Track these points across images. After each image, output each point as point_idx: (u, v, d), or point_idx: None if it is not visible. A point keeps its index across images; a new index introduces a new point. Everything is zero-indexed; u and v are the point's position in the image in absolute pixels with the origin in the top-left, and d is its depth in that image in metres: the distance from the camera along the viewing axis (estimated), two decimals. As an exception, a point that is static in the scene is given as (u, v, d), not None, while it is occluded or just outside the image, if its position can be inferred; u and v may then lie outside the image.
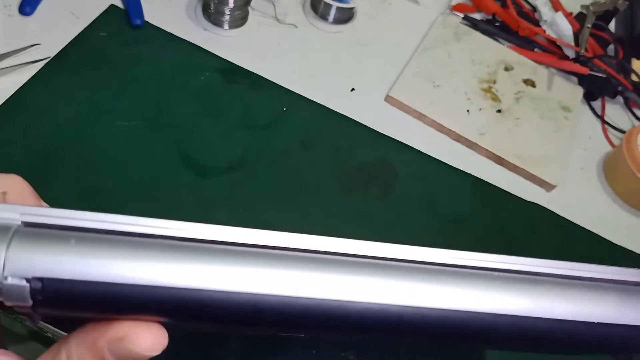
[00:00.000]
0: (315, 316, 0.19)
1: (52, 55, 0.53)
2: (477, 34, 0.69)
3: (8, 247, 0.17)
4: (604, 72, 0.67)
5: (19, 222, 0.18)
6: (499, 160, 0.59)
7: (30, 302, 0.17)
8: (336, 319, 0.19)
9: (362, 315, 0.19)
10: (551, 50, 0.70)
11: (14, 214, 0.18)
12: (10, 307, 0.18)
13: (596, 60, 0.67)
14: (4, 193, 0.21)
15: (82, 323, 0.20)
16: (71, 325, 0.21)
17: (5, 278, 0.17)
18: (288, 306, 0.18)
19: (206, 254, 0.19)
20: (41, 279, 0.17)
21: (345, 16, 0.65)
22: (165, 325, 0.19)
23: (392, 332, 0.20)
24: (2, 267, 0.17)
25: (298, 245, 0.20)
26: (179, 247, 0.19)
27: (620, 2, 0.71)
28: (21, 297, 0.17)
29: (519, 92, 0.64)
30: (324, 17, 0.64)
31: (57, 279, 0.17)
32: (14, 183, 0.23)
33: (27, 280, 0.17)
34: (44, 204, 0.24)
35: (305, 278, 0.19)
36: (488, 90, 0.63)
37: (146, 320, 0.19)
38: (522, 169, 0.58)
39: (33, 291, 0.17)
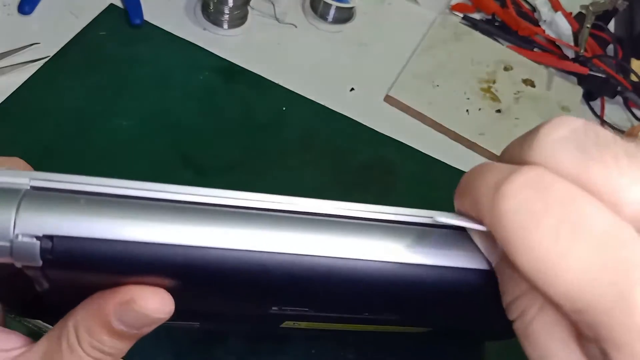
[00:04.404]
0: (315, 273, 0.19)
1: (52, 54, 0.53)
2: (477, 33, 0.69)
3: (18, 207, 0.17)
4: (603, 72, 0.67)
5: (28, 187, 0.18)
6: (499, 160, 0.59)
7: (40, 262, 0.18)
8: (335, 278, 0.19)
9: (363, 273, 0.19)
10: (550, 50, 0.70)
11: (23, 179, 0.18)
12: (16, 284, 0.18)
13: (595, 60, 0.68)
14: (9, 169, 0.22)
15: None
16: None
17: (17, 236, 0.17)
18: (292, 264, 0.19)
19: (215, 214, 0.19)
20: (51, 237, 0.17)
21: (345, 16, 0.65)
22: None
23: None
24: (12, 226, 0.17)
25: (297, 207, 0.20)
26: (188, 208, 0.19)
27: (619, 2, 0.71)
28: (31, 256, 0.17)
29: (518, 92, 0.64)
30: (323, 16, 0.64)
31: (67, 236, 0.17)
32: (17, 165, 0.23)
33: (38, 238, 0.17)
34: None
35: (306, 237, 0.19)
36: (487, 90, 0.63)
37: (153, 285, 0.19)
38: (522, 169, 0.58)
39: (43, 250, 0.17)
